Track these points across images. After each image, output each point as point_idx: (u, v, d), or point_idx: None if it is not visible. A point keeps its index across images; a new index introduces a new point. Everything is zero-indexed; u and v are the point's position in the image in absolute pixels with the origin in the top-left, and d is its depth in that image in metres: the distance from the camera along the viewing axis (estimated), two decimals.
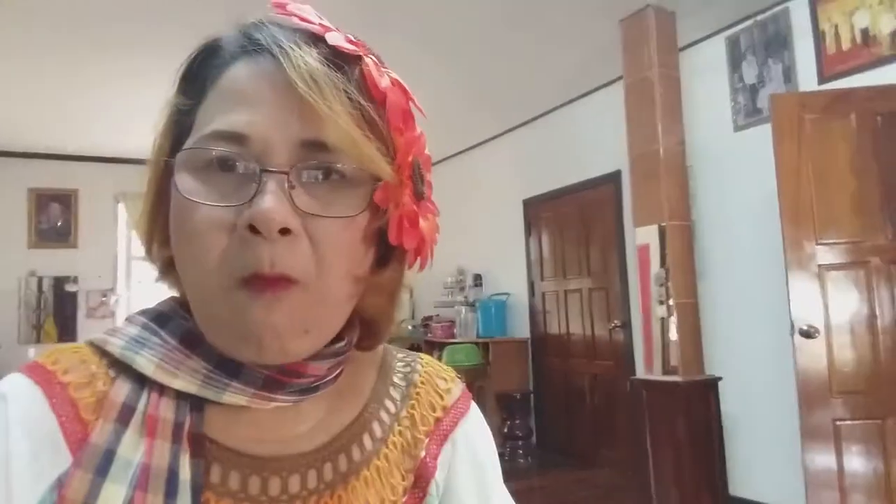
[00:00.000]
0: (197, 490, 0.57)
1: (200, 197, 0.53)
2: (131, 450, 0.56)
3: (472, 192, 7.11)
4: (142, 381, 0.58)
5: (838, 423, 3.23)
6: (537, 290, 6.36)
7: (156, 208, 0.61)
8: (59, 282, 7.14)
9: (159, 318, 0.61)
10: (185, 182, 0.54)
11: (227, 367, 0.57)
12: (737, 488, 4.15)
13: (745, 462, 4.18)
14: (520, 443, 5.67)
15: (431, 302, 7.43)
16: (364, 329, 0.68)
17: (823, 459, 3.22)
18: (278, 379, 0.58)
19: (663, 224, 4.10)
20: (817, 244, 3.34)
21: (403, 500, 0.67)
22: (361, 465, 0.65)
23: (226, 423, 0.60)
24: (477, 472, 0.74)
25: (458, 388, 0.76)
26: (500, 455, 5.13)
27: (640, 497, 4.08)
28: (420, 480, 0.68)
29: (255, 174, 0.53)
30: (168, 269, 0.62)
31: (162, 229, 0.60)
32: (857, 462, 3.20)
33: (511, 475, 5.46)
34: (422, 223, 0.61)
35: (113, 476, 0.55)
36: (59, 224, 7.20)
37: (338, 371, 0.63)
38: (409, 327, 7.48)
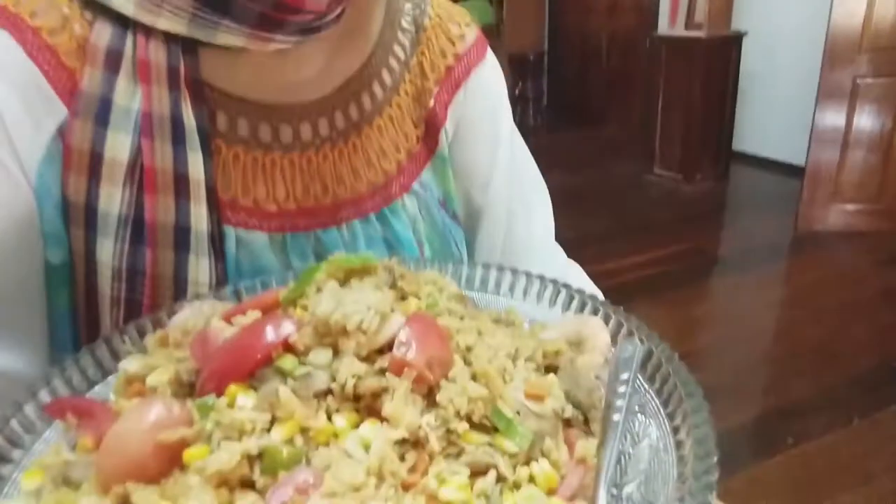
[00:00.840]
0: (205, 136, 0.55)
1: None
2: (128, 97, 0.54)
3: None
4: (123, 23, 0.53)
5: (858, 80, 3.17)
6: None
7: None
8: None
9: None
10: None
11: (215, 3, 0.52)
12: (741, 144, 4.26)
13: (756, 120, 4.23)
14: (531, 104, 5.71)
15: None
16: None
17: (834, 118, 3.24)
18: (274, 16, 0.53)
19: None
20: None
21: (417, 147, 0.67)
22: (373, 113, 0.64)
23: (225, 69, 0.57)
24: (490, 121, 0.73)
25: (472, 33, 0.71)
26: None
27: (644, 153, 4.24)
28: (430, 129, 0.68)
29: None
30: None
31: None
32: (866, 120, 3.21)
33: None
34: None
35: (115, 125, 0.53)
36: None
37: (339, 9, 0.56)
38: None
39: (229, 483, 0.34)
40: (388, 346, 0.39)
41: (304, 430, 0.36)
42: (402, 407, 0.37)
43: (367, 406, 0.38)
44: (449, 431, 0.38)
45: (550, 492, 0.38)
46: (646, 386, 0.44)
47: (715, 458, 0.35)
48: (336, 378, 0.38)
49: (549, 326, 0.52)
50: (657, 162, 4.15)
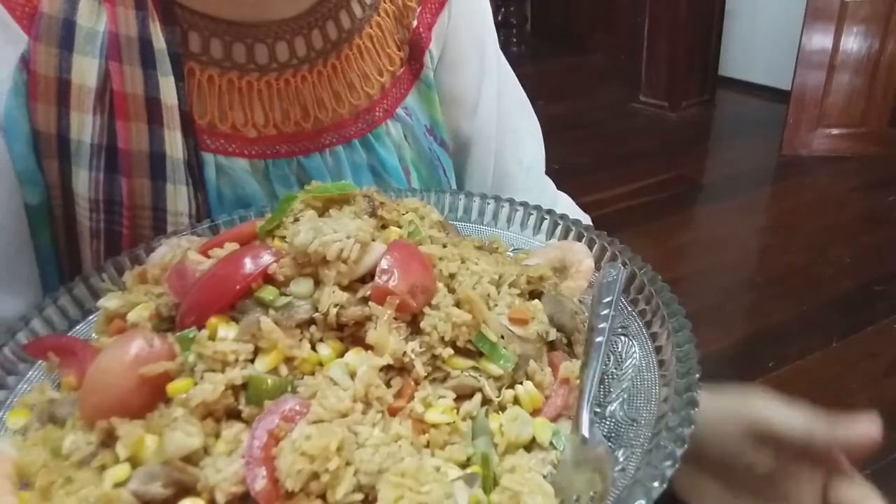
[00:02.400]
0: (177, 59, 0.54)
1: None
2: (91, 18, 0.52)
3: None
4: None
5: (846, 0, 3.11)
6: None
7: None
8: None
9: None
10: None
11: None
12: (727, 69, 4.20)
13: (742, 44, 4.15)
14: (514, 31, 5.56)
15: None
16: None
17: (821, 40, 3.18)
18: None
19: None
20: None
21: (401, 71, 0.65)
22: (353, 32, 0.62)
23: None
24: (475, 44, 0.71)
25: None
26: None
27: (630, 80, 4.17)
28: (414, 52, 0.66)
29: None
30: None
31: None
32: (853, 42, 3.16)
33: None
34: None
35: (80, 48, 0.52)
36: None
37: None
38: None
39: (214, 414, 0.35)
40: (370, 275, 0.39)
41: (288, 360, 0.37)
42: (386, 334, 0.37)
43: (350, 335, 0.38)
44: (434, 357, 0.38)
45: (535, 412, 0.39)
46: (629, 308, 0.45)
47: (697, 375, 0.36)
48: (318, 307, 0.38)
49: (534, 253, 0.52)
50: (643, 89, 4.09)
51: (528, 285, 0.46)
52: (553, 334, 0.43)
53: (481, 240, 0.52)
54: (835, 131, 3.33)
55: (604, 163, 3.36)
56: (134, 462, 0.33)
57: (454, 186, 0.73)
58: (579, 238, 0.53)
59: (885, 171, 3.11)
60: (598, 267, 0.49)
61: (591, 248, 0.51)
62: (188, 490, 0.32)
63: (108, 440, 0.35)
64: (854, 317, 2.16)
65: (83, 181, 0.53)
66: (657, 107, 4.04)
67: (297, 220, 0.43)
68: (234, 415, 0.35)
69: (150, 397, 0.35)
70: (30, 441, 0.37)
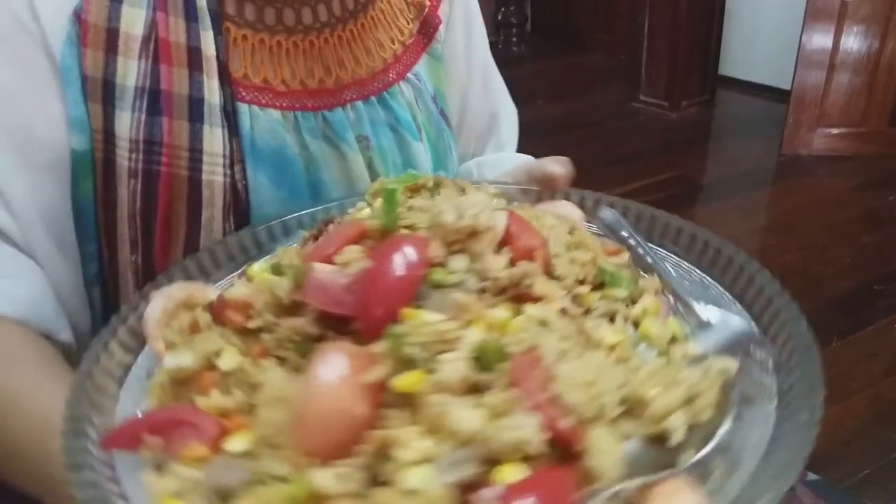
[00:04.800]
0: (215, 16, 0.60)
1: None
2: None
3: None
4: None
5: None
6: None
7: None
8: None
9: None
10: None
11: None
12: (727, 69, 4.20)
13: (742, 44, 4.16)
14: (514, 30, 5.56)
15: None
16: None
17: (821, 39, 3.18)
18: None
19: None
20: None
21: (410, 41, 0.73)
22: (367, 5, 0.69)
23: None
24: (467, 28, 0.80)
25: None
26: (494, 44, 5.02)
27: (630, 79, 4.17)
28: (425, 27, 0.75)
29: None
30: None
31: None
32: (853, 42, 3.16)
33: (504, 63, 5.49)
34: None
35: (129, 0, 0.57)
36: None
37: None
38: None
39: (456, 393, 0.35)
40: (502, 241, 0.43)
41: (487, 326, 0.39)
42: (551, 284, 0.42)
43: (512, 297, 0.41)
44: (574, 297, 0.43)
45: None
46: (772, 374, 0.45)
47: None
48: (485, 276, 0.40)
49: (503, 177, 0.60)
50: (643, 89, 4.09)
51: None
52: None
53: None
54: (835, 131, 3.33)
55: (604, 163, 3.36)
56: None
57: (455, 160, 0.81)
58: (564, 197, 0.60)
59: (885, 170, 3.11)
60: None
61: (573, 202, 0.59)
62: (496, 461, 0.32)
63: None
64: (854, 317, 2.16)
65: (125, 122, 0.57)
66: (657, 107, 4.04)
67: (410, 208, 0.45)
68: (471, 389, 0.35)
69: (373, 405, 0.34)
70: None
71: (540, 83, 4.44)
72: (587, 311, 0.43)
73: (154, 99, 0.57)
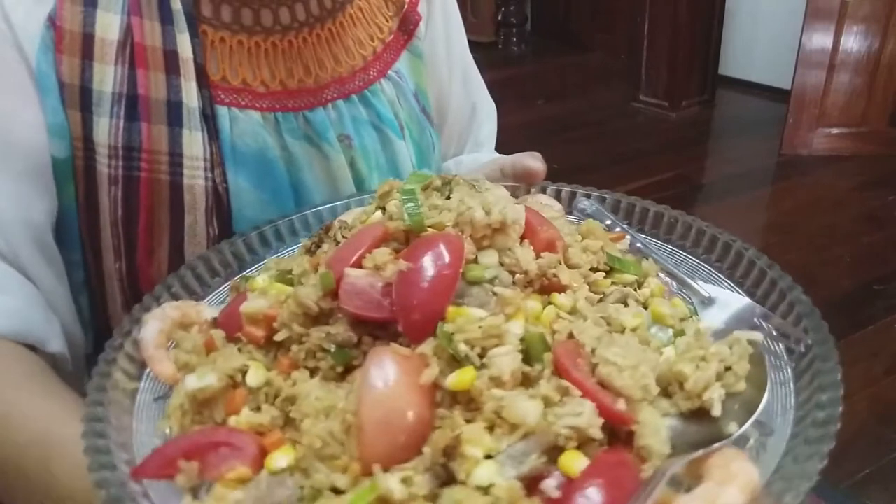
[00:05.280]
0: (191, 19, 0.59)
1: None
2: None
3: None
4: None
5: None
6: None
7: None
8: None
9: None
10: None
11: None
12: (727, 69, 4.19)
13: (742, 44, 4.15)
14: (514, 30, 5.55)
15: None
16: None
17: (821, 39, 3.18)
18: None
19: None
20: None
21: (390, 38, 0.73)
22: (345, 2, 0.69)
23: None
24: (446, 26, 0.81)
25: None
26: (494, 44, 5.00)
27: (630, 80, 4.17)
28: (405, 24, 0.74)
29: None
30: None
31: None
32: (853, 42, 3.16)
33: (504, 63, 5.51)
34: None
35: (103, 5, 0.56)
36: None
37: None
38: None
39: (508, 388, 0.35)
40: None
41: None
42: (571, 274, 0.43)
43: (539, 287, 0.42)
44: (591, 284, 0.45)
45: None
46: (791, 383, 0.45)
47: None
48: (516, 269, 0.41)
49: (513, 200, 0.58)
50: (643, 89, 4.09)
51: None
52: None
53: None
54: (835, 131, 3.33)
55: (604, 163, 3.36)
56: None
57: (438, 158, 0.82)
58: (542, 190, 0.61)
59: (885, 170, 3.11)
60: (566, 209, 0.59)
61: (552, 195, 0.61)
62: (558, 448, 0.33)
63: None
64: (854, 317, 2.15)
65: (103, 129, 0.56)
66: (657, 106, 4.03)
67: (434, 207, 0.45)
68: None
69: (432, 406, 0.35)
70: None
71: (540, 83, 4.44)
72: (602, 298, 0.44)
73: (132, 104, 0.57)
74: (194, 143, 0.58)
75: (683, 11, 3.78)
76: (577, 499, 0.31)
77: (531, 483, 0.33)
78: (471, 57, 0.87)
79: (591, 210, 0.56)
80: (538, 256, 0.43)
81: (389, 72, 0.73)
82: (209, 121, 0.59)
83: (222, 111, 0.61)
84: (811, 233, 2.69)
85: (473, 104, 0.87)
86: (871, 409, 1.82)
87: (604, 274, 0.47)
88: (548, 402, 0.34)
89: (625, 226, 0.55)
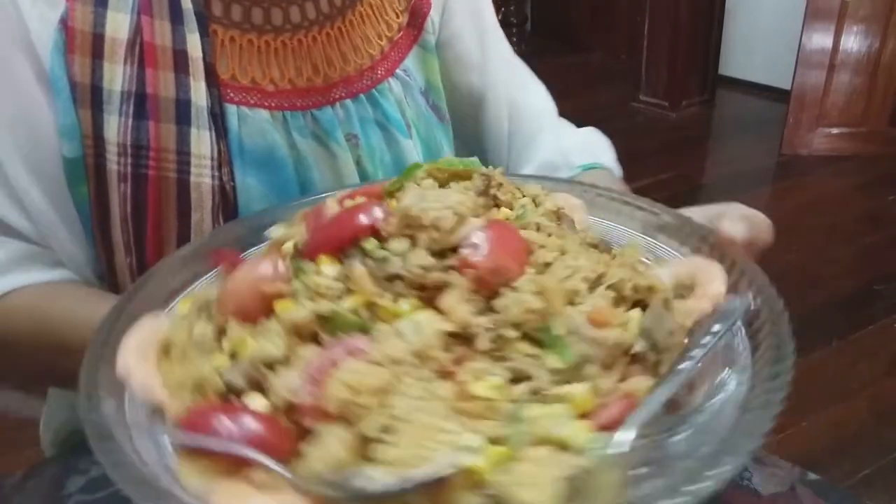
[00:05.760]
0: (201, 18, 0.59)
1: None
2: None
3: None
4: None
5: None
6: None
7: None
8: None
9: None
10: None
11: None
12: (727, 69, 4.19)
13: (742, 44, 4.15)
14: (514, 30, 5.56)
15: None
16: None
17: (821, 39, 3.18)
18: None
19: None
20: None
21: (398, 35, 0.73)
22: (354, 1, 0.69)
23: None
24: (473, 7, 0.79)
25: None
26: None
27: (630, 79, 4.17)
28: (414, 18, 0.74)
29: None
30: None
31: None
32: (853, 42, 3.16)
33: None
34: None
35: (114, 5, 0.57)
36: None
37: None
38: None
39: (300, 334, 0.41)
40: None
41: (370, 306, 0.41)
42: (457, 303, 0.40)
43: (429, 297, 0.41)
44: (500, 337, 0.39)
45: (583, 415, 0.38)
46: (746, 342, 0.43)
47: (770, 424, 0.34)
48: (406, 266, 0.41)
49: (667, 263, 0.53)
50: (643, 89, 4.09)
51: (635, 293, 0.44)
52: (639, 347, 0.41)
53: (597, 238, 0.52)
54: (835, 131, 3.33)
55: None
56: (234, 356, 0.41)
57: (452, 150, 0.80)
58: (722, 259, 0.49)
59: (885, 170, 3.11)
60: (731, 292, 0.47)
61: (729, 271, 0.48)
62: (261, 389, 0.39)
63: (222, 335, 0.43)
64: (854, 317, 2.15)
65: (113, 127, 0.57)
66: (657, 106, 4.03)
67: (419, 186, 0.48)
68: (315, 340, 0.41)
69: (264, 309, 0.42)
70: (179, 322, 0.45)
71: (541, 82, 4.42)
72: (505, 359, 0.41)
73: (140, 103, 0.57)
74: (202, 141, 0.59)
75: (683, 11, 3.78)
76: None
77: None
78: (503, 36, 0.84)
79: (727, 307, 0.46)
80: (447, 271, 0.42)
81: (397, 70, 0.72)
82: (217, 119, 0.60)
83: (231, 110, 0.62)
84: (811, 233, 2.69)
85: (514, 77, 0.84)
86: (871, 409, 1.82)
87: (521, 337, 0.41)
88: (291, 360, 0.41)
89: (745, 341, 0.44)
